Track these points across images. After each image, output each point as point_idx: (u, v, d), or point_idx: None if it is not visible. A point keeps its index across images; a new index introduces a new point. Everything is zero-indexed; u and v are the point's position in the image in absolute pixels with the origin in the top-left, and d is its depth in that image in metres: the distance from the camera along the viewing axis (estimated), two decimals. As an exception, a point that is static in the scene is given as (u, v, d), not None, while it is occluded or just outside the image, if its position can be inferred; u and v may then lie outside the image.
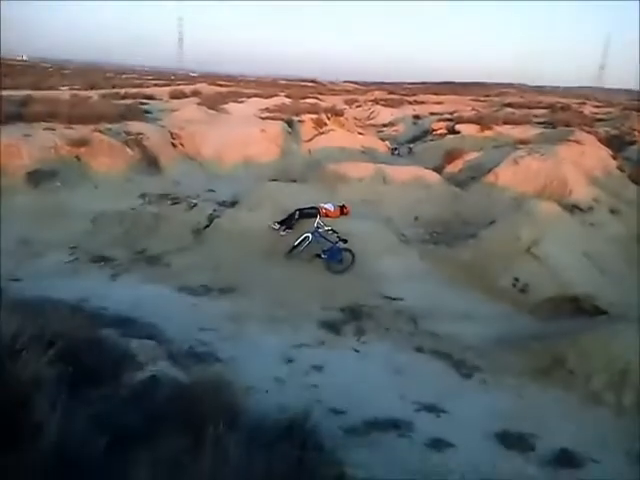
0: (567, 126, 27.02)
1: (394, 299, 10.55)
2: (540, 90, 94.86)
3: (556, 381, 7.75)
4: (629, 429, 6.65)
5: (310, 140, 25.24)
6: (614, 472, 5.82)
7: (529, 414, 6.99)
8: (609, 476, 5.78)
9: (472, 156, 21.94)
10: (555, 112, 38.40)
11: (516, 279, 11.36)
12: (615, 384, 7.41)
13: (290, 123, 26.28)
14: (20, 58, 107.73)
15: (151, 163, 19.07)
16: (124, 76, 65.59)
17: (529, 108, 42.71)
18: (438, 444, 6.12)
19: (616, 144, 22.95)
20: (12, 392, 3.77)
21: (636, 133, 26.47)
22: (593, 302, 10.58)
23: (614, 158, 20.25)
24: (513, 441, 6.32)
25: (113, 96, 31.86)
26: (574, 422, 6.84)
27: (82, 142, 17.05)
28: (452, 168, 21.63)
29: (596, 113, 41.02)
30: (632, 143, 23.79)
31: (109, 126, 19.26)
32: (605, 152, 20.58)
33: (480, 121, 30.90)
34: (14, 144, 15.51)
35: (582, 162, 18.73)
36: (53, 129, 17.29)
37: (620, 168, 19.58)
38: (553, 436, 6.43)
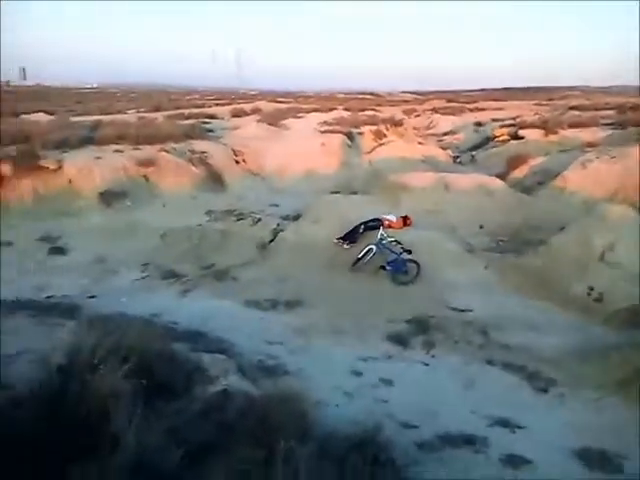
0: (638, 126, 25.82)
1: (462, 310, 10.32)
2: (606, 91, 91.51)
3: (638, 395, 7.33)
4: None
5: (370, 152, 25.20)
6: None
7: (612, 430, 6.62)
8: None
9: (537, 161, 21.34)
10: (624, 112, 36.80)
11: (590, 287, 10.88)
12: None
13: (350, 136, 26.34)
14: (90, 86, 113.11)
15: (215, 180, 19.55)
16: (187, 97, 67.69)
17: (596, 110, 41.20)
18: (515, 460, 5.89)
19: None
20: (92, 405, 3.92)
21: None
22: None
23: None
24: (596, 460, 5.98)
25: (177, 117, 32.92)
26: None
27: (149, 162, 17.68)
28: (517, 174, 21.11)
29: (669, 111, 39.07)
30: None
31: (174, 146, 19.88)
32: (681, 152, 19.51)
33: (544, 125, 29.98)
34: (87, 167, 16.25)
35: (656, 163, 17.83)
36: (122, 151, 18.00)
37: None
38: (640, 456, 6.06)
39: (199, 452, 4.01)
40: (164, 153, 18.73)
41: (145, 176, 17.40)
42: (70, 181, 15.83)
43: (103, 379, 4.14)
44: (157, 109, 40.96)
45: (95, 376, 4.17)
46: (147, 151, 18.45)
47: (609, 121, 31.05)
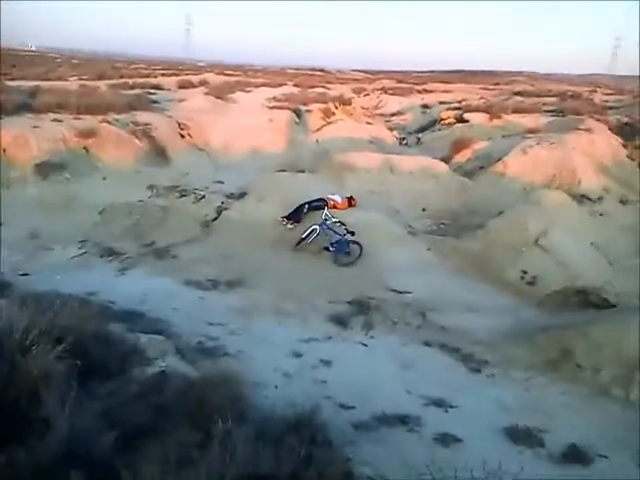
0: (577, 114, 26.66)
1: (402, 292, 10.53)
2: (550, 78, 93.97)
3: (564, 375, 7.73)
4: (638, 424, 6.60)
5: (318, 130, 25.08)
6: (623, 468, 5.78)
7: (537, 408, 6.98)
8: (618, 472, 5.75)
9: (480, 145, 21.75)
10: (565, 100, 37.91)
11: (524, 271, 11.31)
12: (624, 378, 7.38)
13: (298, 113, 26.13)
14: (28, 48, 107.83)
15: (159, 154, 19.01)
16: (132, 66, 65.35)
17: (539, 96, 42.22)
18: (446, 439, 6.12)
19: (627, 132, 22.59)
20: (21, 387, 3.81)
21: (648, 121, 26.01)
22: (602, 294, 10.50)
23: (625, 147, 20.01)
24: (521, 436, 6.29)
25: (121, 86, 31.76)
26: (583, 417, 6.82)
27: (90, 133, 17.02)
28: (460, 158, 21.45)
29: (607, 101, 40.51)
30: (644, 131, 23.36)
31: (117, 116, 19.18)
32: (616, 141, 20.33)
33: (489, 110, 30.57)
34: (23, 135, 15.53)
35: (592, 151, 18.54)
36: (61, 120, 17.25)
37: (631, 157, 19.37)
38: (562, 431, 6.41)
39: (134, 435, 3.98)
40: (106, 124, 18.05)
41: (85, 148, 16.75)
42: (4, 150, 15.10)
43: (35, 360, 4.03)
44: (100, 77, 39.33)
45: (26, 357, 4.06)
46: (88, 121, 17.70)
47: (551, 108, 31.93)
